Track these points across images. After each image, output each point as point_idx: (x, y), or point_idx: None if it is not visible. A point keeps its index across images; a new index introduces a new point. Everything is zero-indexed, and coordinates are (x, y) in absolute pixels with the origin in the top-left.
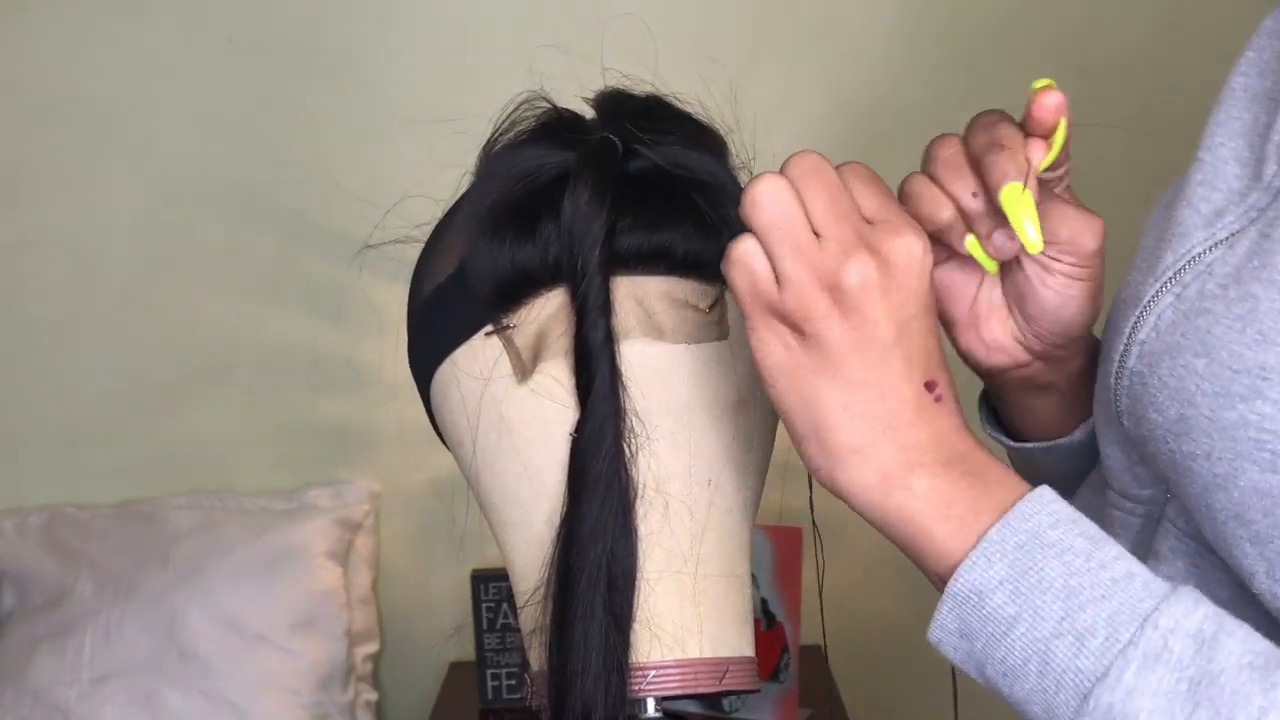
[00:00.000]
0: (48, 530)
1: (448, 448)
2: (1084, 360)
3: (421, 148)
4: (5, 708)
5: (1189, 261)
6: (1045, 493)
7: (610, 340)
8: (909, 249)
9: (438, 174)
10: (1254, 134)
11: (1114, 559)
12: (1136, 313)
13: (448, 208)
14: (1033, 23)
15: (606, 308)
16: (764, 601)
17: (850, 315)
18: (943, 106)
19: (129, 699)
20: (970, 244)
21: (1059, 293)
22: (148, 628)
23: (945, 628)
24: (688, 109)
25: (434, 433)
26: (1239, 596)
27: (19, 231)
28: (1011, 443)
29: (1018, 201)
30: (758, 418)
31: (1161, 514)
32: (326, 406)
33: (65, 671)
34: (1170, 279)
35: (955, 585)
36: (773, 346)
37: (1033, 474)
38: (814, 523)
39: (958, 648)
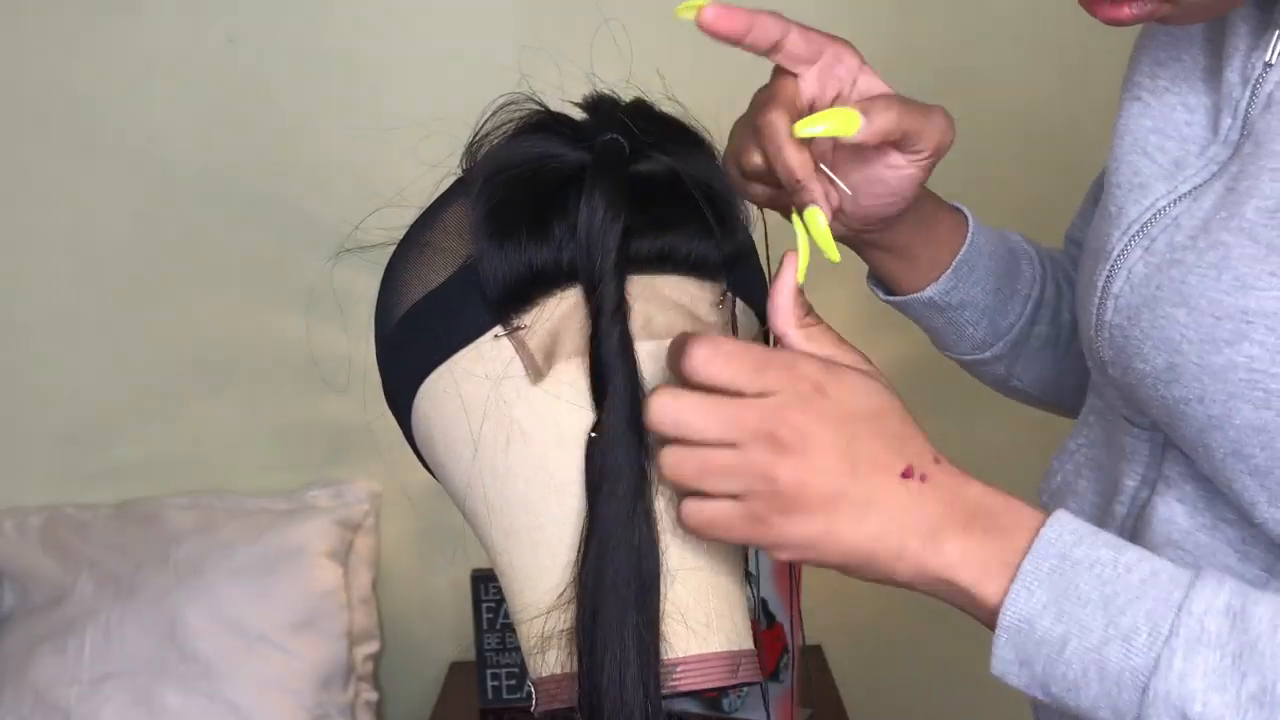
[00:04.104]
0: (48, 530)
1: (423, 462)
2: (906, 236)
3: (421, 147)
4: (5, 708)
5: (1154, 215)
6: (1061, 515)
7: (627, 342)
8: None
9: (436, 173)
10: (1195, 78)
11: (1138, 561)
12: (1107, 266)
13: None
14: (1030, 26)
15: (622, 310)
16: (764, 602)
17: (796, 451)
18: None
19: (129, 699)
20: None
21: (898, 182)
22: (148, 628)
23: (1005, 659)
24: (671, 112)
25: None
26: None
27: (19, 231)
28: (883, 296)
29: (814, 223)
30: None
31: (1166, 439)
32: (326, 406)
33: (65, 671)
34: (1137, 233)
35: (1005, 619)
36: (751, 531)
37: (923, 326)
38: None
39: (1020, 675)
